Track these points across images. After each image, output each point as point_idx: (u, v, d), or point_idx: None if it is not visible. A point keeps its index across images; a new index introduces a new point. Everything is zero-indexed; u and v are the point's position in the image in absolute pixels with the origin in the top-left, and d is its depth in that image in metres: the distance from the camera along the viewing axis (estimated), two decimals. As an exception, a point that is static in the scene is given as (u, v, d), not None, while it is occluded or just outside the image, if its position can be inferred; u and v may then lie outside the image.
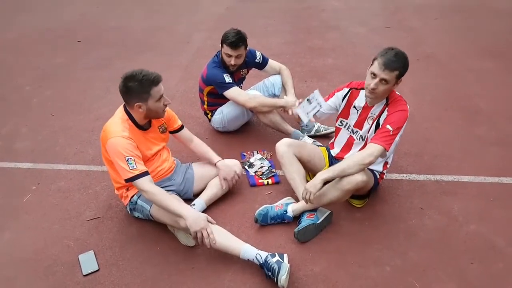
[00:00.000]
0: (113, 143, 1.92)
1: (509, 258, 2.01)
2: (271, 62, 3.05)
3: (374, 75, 1.94)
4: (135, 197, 2.11)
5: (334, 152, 2.40)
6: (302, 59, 4.41)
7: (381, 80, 1.92)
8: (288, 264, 1.84)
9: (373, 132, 2.10)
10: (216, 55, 2.86)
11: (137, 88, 1.89)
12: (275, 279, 1.80)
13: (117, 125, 1.97)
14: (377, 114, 2.09)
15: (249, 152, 2.85)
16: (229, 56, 2.69)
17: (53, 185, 2.57)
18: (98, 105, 3.54)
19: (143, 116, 2.01)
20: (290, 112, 2.57)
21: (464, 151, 2.86)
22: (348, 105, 2.22)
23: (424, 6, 6.25)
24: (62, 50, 4.81)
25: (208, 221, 1.92)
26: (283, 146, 2.29)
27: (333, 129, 2.97)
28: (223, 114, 2.94)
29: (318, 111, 2.25)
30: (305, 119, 2.28)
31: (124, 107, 2.04)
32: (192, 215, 1.88)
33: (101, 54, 4.66)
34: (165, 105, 2.03)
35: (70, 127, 3.23)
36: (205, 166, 2.42)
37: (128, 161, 1.90)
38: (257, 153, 2.83)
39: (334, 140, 2.42)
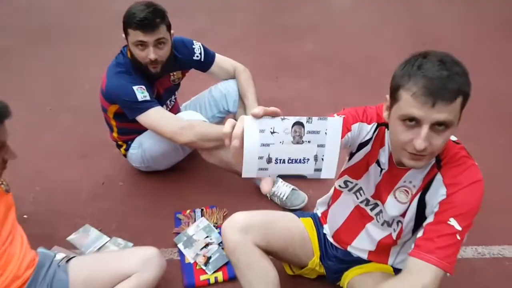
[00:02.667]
0: None
1: None
2: (221, 60, 1.88)
3: (413, 120, 0.86)
4: None
5: (328, 229, 1.32)
6: (270, 44, 3.25)
7: (433, 125, 0.85)
8: None
9: (413, 219, 1.02)
10: (121, 52, 1.68)
11: None
12: None
13: None
14: (418, 185, 1.02)
15: (188, 211, 1.73)
16: (143, 45, 1.53)
17: None
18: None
19: None
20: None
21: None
22: (368, 158, 1.09)
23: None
24: None
25: None
26: (234, 233, 1.18)
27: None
28: (143, 149, 1.78)
29: (301, 176, 0.69)
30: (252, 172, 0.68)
31: None
32: None
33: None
34: (4, 161, 1.17)
35: None
36: (98, 261, 1.31)
37: None
38: (201, 214, 1.71)
39: (329, 208, 1.33)
